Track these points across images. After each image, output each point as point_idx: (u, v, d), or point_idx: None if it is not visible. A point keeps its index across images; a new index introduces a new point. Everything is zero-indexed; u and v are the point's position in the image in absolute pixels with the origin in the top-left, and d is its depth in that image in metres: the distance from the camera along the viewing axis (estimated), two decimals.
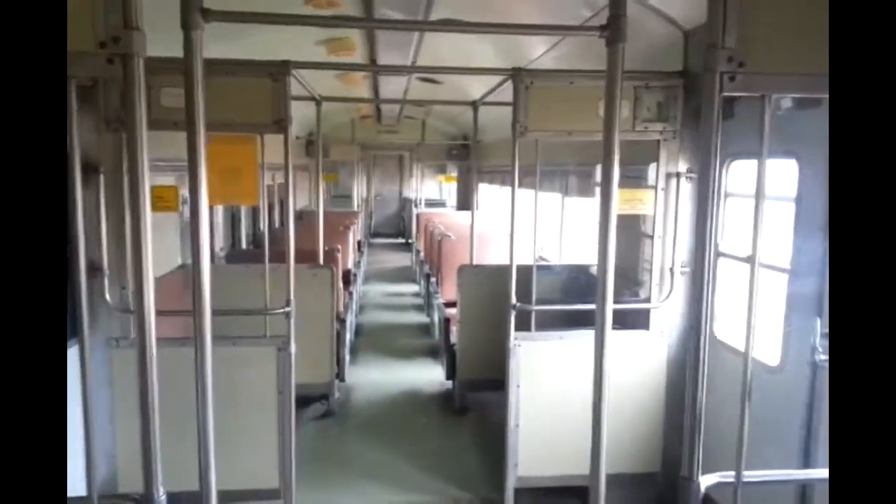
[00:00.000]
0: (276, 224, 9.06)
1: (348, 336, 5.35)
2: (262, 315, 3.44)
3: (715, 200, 1.59)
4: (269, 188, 8.78)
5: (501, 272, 5.07)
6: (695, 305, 1.63)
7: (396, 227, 16.49)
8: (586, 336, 3.64)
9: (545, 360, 3.55)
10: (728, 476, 1.66)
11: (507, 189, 9.41)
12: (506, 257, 6.59)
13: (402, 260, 12.94)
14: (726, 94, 1.48)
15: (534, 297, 3.57)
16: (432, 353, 6.49)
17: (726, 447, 1.95)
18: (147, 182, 1.64)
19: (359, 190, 13.39)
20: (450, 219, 10.29)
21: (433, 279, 7.31)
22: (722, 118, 3.42)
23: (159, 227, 4.06)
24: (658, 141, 3.41)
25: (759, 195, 1.64)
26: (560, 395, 3.53)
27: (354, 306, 6.71)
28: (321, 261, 4.87)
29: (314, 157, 13.07)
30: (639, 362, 3.56)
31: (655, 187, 3.46)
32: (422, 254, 9.43)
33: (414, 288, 10.07)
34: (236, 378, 3.36)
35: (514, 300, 3.51)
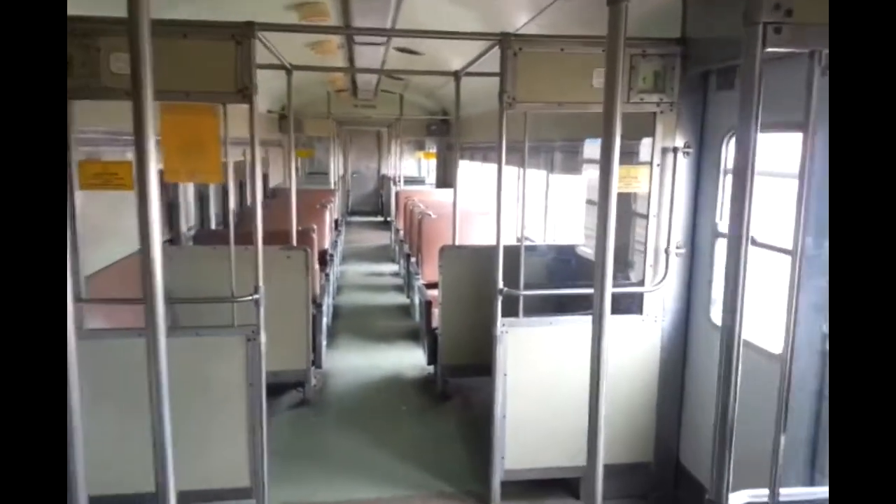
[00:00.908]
0: (249, 202, 8.72)
1: (325, 320, 5.11)
2: (230, 303, 3.17)
3: (751, 177, 1.36)
4: (240, 164, 8.43)
5: (485, 253, 4.86)
6: (730, 299, 1.41)
7: (375, 204, 16.17)
8: (577, 322, 3.49)
9: (534, 347, 3.35)
10: (760, 496, 1.46)
11: (490, 166, 9.18)
12: (488, 237, 6.37)
13: (380, 238, 12.66)
14: (771, 49, 1.25)
15: (521, 281, 3.34)
16: (413, 335, 6.28)
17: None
18: (74, 156, 1.39)
19: (335, 167, 13.02)
20: (430, 197, 10.03)
21: (413, 259, 7.08)
22: (718, 88, 3.14)
23: (126, 206, 3.73)
24: (654, 113, 3.18)
25: (803, 174, 1.42)
26: (550, 385, 3.34)
27: (331, 288, 6.46)
28: (294, 242, 4.60)
29: (287, 133, 12.78)
30: (631, 349, 3.38)
31: (650, 163, 3.24)
32: (401, 233, 9.17)
33: (393, 267, 9.83)
34: (202, 370, 3.11)
35: (500, 284, 3.28)
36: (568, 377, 3.33)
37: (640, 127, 3.27)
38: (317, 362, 4.80)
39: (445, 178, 13.26)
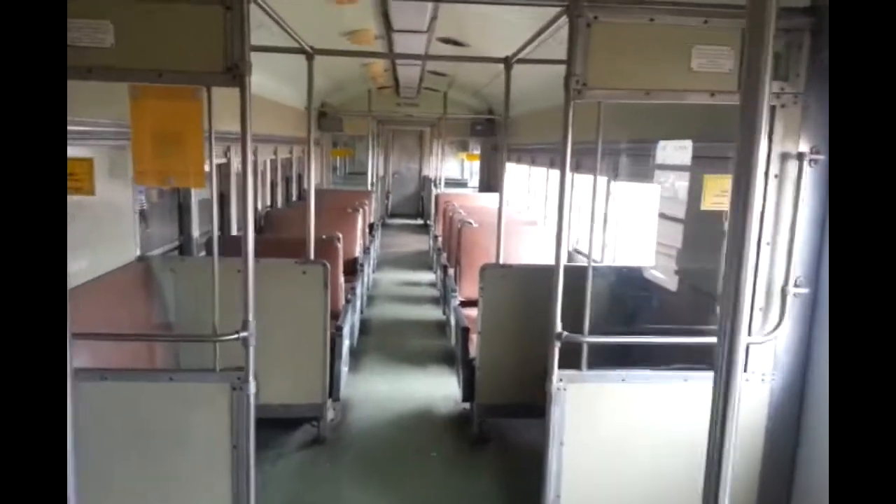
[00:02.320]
0: (280, 202, 8.18)
1: (346, 344, 4.45)
2: (210, 342, 2.53)
3: None
4: (286, 161, 7.87)
5: (535, 274, 4.11)
6: None
7: (415, 207, 15.53)
8: (662, 379, 2.57)
9: (602, 409, 2.60)
10: None
11: (538, 170, 8.41)
12: (537, 253, 5.60)
13: (419, 243, 12.00)
14: None
15: (587, 323, 2.58)
16: (447, 359, 5.57)
17: None
18: None
19: (375, 167, 12.43)
20: (472, 202, 9.30)
21: (450, 271, 6.37)
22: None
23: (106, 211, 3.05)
24: (773, 107, 2.39)
25: None
26: (619, 457, 2.58)
27: (359, 302, 5.80)
28: (312, 254, 3.95)
29: (326, 131, 12.24)
30: None
31: (766, 173, 2.45)
32: (440, 240, 8.48)
33: (430, 277, 9.14)
34: (175, 425, 2.47)
35: (559, 326, 2.54)
36: (644, 449, 2.57)
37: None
38: (335, 393, 4.15)
39: (490, 182, 12.52)
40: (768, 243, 2.47)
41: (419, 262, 10.28)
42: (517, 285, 3.95)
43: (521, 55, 3.77)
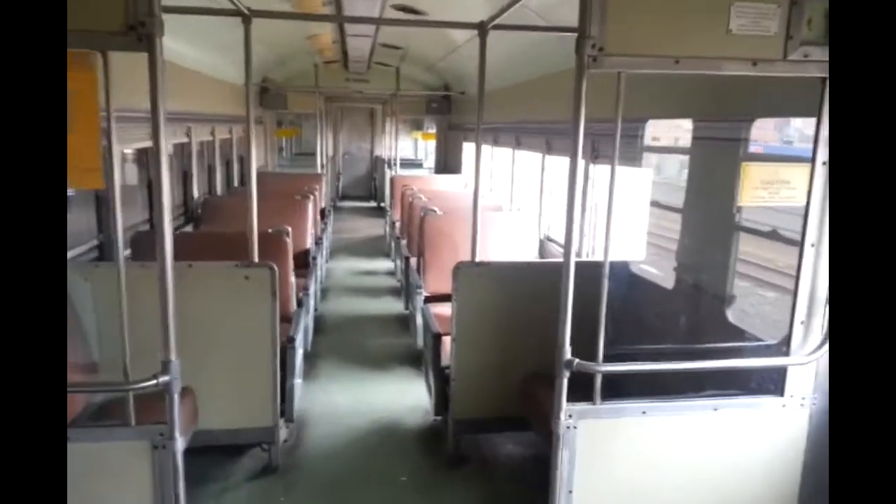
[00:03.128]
0: (219, 188, 7.45)
1: (299, 355, 3.90)
2: (123, 392, 1.96)
3: None
4: (225, 143, 7.12)
5: (515, 273, 3.66)
6: None
7: (367, 189, 14.86)
8: (689, 409, 2.14)
9: (617, 447, 2.16)
10: None
11: (503, 151, 7.94)
12: (506, 243, 5.14)
13: (373, 227, 11.41)
14: None
15: (601, 347, 2.12)
16: (412, 360, 5.09)
17: None
18: None
19: (324, 147, 11.69)
20: (431, 185, 8.77)
21: (413, 262, 5.86)
22: None
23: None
24: (822, 80, 1.96)
25: None
26: None
27: (312, 301, 5.22)
28: (256, 254, 3.37)
29: (270, 108, 11.40)
30: (760, 443, 2.20)
31: (812, 161, 2.03)
32: (398, 226, 7.93)
33: (388, 265, 8.60)
34: (79, 499, 1.90)
35: (568, 353, 2.07)
36: (668, 491, 2.16)
37: (797, 100, 2.06)
38: (287, 413, 3.61)
39: (447, 163, 11.97)
40: (813, 245, 2.06)
41: (375, 248, 9.71)
42: (496, 285, 3.49)
43: (497, 21, 3.25)
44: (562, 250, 5.06)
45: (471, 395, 3.55)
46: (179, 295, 3.24)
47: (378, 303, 6.84)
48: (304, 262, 5.84)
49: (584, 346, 2.06)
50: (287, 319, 4.29)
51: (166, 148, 1.83)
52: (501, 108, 7.28)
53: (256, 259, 3.32)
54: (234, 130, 8.42)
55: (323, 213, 8.49)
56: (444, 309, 4.81)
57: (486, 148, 8.55)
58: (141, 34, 1.66)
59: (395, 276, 7.89)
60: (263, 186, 8.85)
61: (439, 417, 3.85)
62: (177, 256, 4.13)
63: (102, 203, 4.08)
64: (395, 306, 6.67)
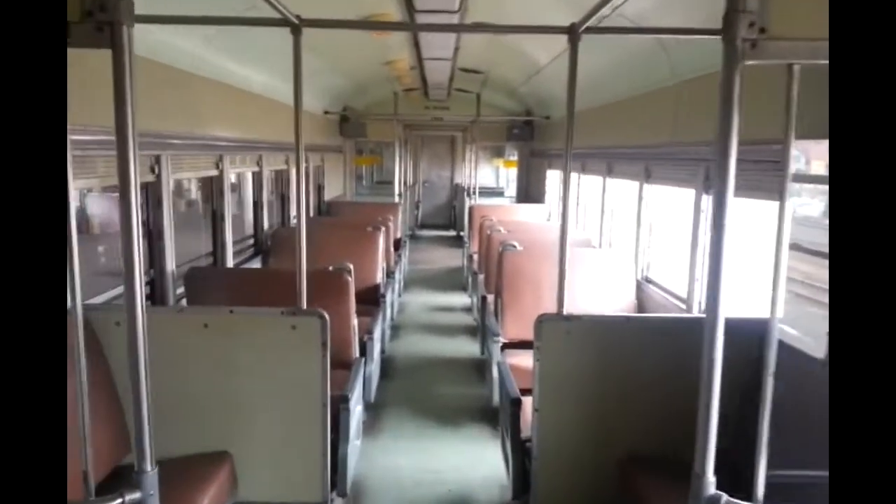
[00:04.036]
0: (294, 218, 7.19)
1: (354, 415, 3.38)
2: None
3: None
4: (281, 173, 6.90)
5: (612, 329, 3.00)
6: None
7: (447, 217, 14.49)
8: None
9: None
10: None
11: (591, 179, 7.25)
12: (596, 285, 4.50)
13: (451, 258, 10.94)
14: None
15: (762, 471, 1.44)
16: (489, 417, 4.48)
17: None
18: None
19: (403, 175, 11.41)
20: (511, 215, 8.20)
21: (490, 301, 5.28)
22: None
23: None
24: None
25: None
26: None
27: (377, 347, 4.74)
28: (305, 298, 2.89)
29: (349, 137, 11.27)
30: None
31: None
32: (475, 259, 7.39)
33: (465, 300, 8.06)
34: None
35: (709, 484, 1.41)
36: None
37: None
38: (339, 485, 3.09)
39: (528, 191, 11.36)
40: None
41: (452, 281, 9.21)
42: (588, 343, 2.85)
43: (589, 23, 2.67)
44: (665, 296, 4.32)
45: (556, 477, 2.90)
46: (218, 344, 2.83)
47: (452, 343, 6.28)
48: (373, 299, 5.40)
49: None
50: (346, 366, 3.82)
51: (136, 179, 1.36)
52: (590, 131, 6.64)
53: (305, 304, 2.85)
54: (311, 159, 8.23)
55: (398, 244, 8.09)
56: (525, 360, 4.19)
57: (573, 176, 7.90)
58: (100, 22, 1.22)
59: (471, 313, 7.33)
60: (339, 216, 8.67)
61: (517, 502, 3.21)
62: (230, 296, 3.77)
63: (153, 236, 3.79)
64: (470, 348, 6.09)
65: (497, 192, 13.23)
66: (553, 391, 2.85)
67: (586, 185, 7.05)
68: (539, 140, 10.72)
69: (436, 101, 11.38)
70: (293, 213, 7.09)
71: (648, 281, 4.71)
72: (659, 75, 4.26)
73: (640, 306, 4.61)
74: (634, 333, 2.86)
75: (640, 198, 4.82)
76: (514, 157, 12.32)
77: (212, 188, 4.81)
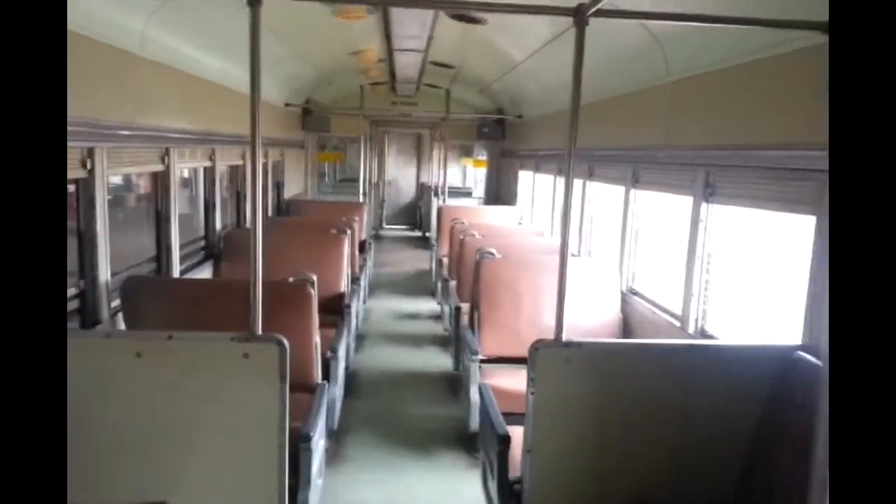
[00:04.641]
0: (248, 218, 6.66)
1: (316, 454, 2.95)
2: None
3: None
4: (236, 169, 6.38)
5: (618, 356, 2.66)
6: None
7: (412, 217, 14.06)
8: None
9: None
10: None
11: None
12: (585, 301, 4.22)
13: (417, 260, 10.53)
14: None
15: None
16: (466, 442, 4.10)
17: None
18: None
19: (368, 173, 10.92)
20: (482, 217, 7.84)
21: (464, 312, 4.90)
22: None
23: None
24: None
25: None
26: None
27: (341, 366, 4.29)
28: (260, 322, 2.44)
29: (312, 131, 10.72)
30: None
31: None
32: (445, 262, 7.01)
33: (433, 306, 7.67)
34: None
35: None
36: None
37: None
38: None
39: (500, 193, 11.03)
40: None
41: (419, 285, 8.80)
42: (590, 373, 2.49)
43: (600, 5, 2.30)
44: (654, 310, 4.00)
45: None
46: (155, 376, 2.38)
47: (422, 356, 5.88)
48: (336, 308, 4.96)
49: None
50: (307, 389, 3.40)
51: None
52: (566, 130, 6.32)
53: (260, 326, 2.40)
54: (270, 153, 7.70)
55: (363, 246, 7.65)
56: (505, 379, 3.83)
57: (544, 177, 7.57)
58: None
59: (440, 321, 6.94)
60: (298, 217, 8.16)
61: None
62: (174, 311, 3.28)
63: (85, 241, 3.27)
64: (441, 361, 5.70)
65: (465, 193, 12.88)
66: (548, 428, 2.48)
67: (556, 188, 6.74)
68: (511, 140, 10.40)
69: (403, 97, 10.94)
70: (247, 211, 6.57)
71: (634, 293, 4.40)
72: (653, 72, 3.95)
73: (626, 320, 4.30)
74: (643, 361, 2.52)
75: (627, 203, 4.51)
76: (484, 157, 11.98)
77: (156, 185, 4.29)
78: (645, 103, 4.26)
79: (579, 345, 2.49)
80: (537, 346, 2.45)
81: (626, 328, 4.27)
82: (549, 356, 2.45)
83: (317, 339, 3.53)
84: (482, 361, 4.06)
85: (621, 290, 4.40)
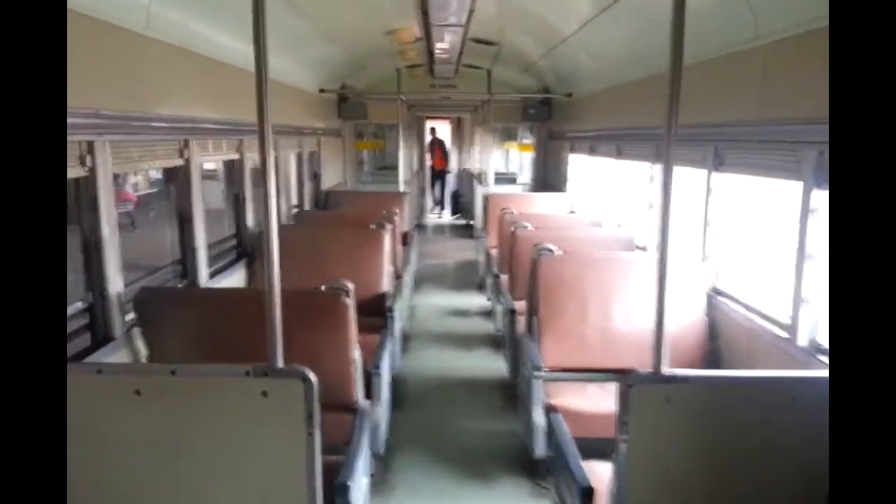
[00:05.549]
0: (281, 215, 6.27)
1: (358, 498, 2.49)
2: None
3: None
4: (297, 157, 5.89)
5: (736, 395, 2.08)
6: None
7: (455, 205, 13.56)
8: None
9: None
10: None
11: (627, 164, 6.27)
12: (667, 301, 3.62)
13: (462, 250, 10.03)
14: None
15: None
16: (529, 465, 3.59)
17: None
18: None
19: (407, 161, 10.45)
20: (531, 205, 7.24)
21: (520, 320, 4.38)
22: None
23: None
24: None
25: None
26: None
27: (384, 380, 3.81)
28: (278, 356, 1.96)
29: (349, 119, 10.27)
30: None
31: None
32: (494, 254, 6.48)
33: (482, 301, 7.16)
34: None
35: None
36: None
37: None
38: None
39: (548, 179, 10.39)
40: None
41: (465, 278, 8.31)
42: (699, 414, 1.94)
43: None
44: (750, 316, 3.38)
45: None
46: (156, 418, 1.95)
47: (473, 359, 5.39)
48: (378, 310, 4.51)
49: None
50: (345, 408, 2.96)
51: None
52: (630, 108, 5.69)
53: (280, 362, 1.94)
54: (307, 144, 7.29)
55: (406, 238, 7.18)
56: (575, 399, 3.31)
57: (599, 160, 6.92)
58: None
59: (491, 318, 6.43)
60: (337, 209, 7.74)
61: None
62: (194, 325, 2.85)
63: (91, 248, 2.88)
64: (494, 365, 5.20)
65: (509, 178, 12.27)
66: (644, 483, 1.96)
67: (617, 171, 6.10)
68: (558, 121, 9.72)
69: (442, 79, 10.37)
70: (283, 206, 6.17)
71: (721, 293, 3.79)
72: (741, 34, 3.32)
73: (713, 324, 3.70)
74: (770, 400, 1.95)
75: (709, 189, 3.89)
76: (529, 140, 11.33)
77: (178, 182, 3.90)
78: (730, 71, 3.62)
79: (684, 379, 1.93)
80: (630, 381, 1.92)
81: (713, 334, 3.68)
82: (646, 394, 1.92)
83: (356, 354, 3.08)
84: (545, 376, 3.54)
85: (706, 291, 3.80)
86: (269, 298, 1.94)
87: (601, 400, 3.23)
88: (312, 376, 1.91)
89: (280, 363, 1.93)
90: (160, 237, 4.39)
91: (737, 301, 3.57)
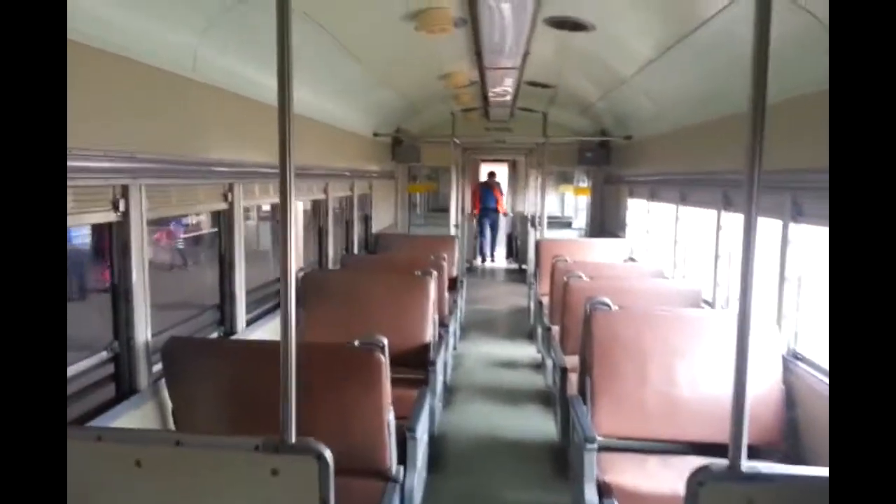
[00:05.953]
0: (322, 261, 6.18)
1: None
2: None
3: None
4: (342, 200, 5.86)
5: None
6: None
7: (509, 247, 13.31)
8: None
9: None
10: None
11: (694, 211, 5.87)
12: (729, 368, 3.21)
13: (513, 295, 9.72)
14: None
15: None
16: None
17: None
18: None
19: (459, 204, 10.32)
20: (586, 253, 6.91)
21: (572, 378, 4.04)
22: None
23: None
24: None
25: None
26: None
27: (420, 455, 3.51)
28: (292, 430, 1.74)
29: (402, 162, 10.27)
30: None
31: None
32: (545, 303, 6.16)
33: (531, 352, 6.81)
34: None
35: None
36: None
37: None
38: None
39: (604, 224, 10.02)
40: None
41: (516, 326, 7.98)
42: None
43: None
44: (824, 378, 2.95)
45: None
46: (157, 492, 1.75)
47: (520, 418, 5.04)
48: (419, 361, 4.27)
49: None
50: (377, 474, 2.71)
51: None
52: (693, 153, 5.37)
53: (293, 436, 1.71)
54: (357, 186, 7.25)
55: (454, 284, 6.96)
56: (634, 477, 2.95)
57: (660, 205, 6.55)
58: None
59: (541, 372, 6.07)
60: (386, 252, 7.64)
61: None
62: (227, 376, 2.68)
63: (119, 295, 2.77)
64: (544, 426, 4.83)
65: (564, 223, 11.95)
66: None
67: (679, 217, 5.73)
68: (617, 164, 9.42)
69: (497, 122, 10.28)
70: (329, 250, 6.08)
71: (800, 358, 3.37)
72: (814, 72, 3.00)
73: (790, 392, 3.28)
74: None
75: (786, 241, 3.51)
76: (585, 184, 11.02)
77: (219, 225, 3.83)
78: (799, 113, 3.29)
79: (769, 478, 1.59)
80: (700, 478, 1.59)
81: (790, 402, 3.26)
82: (720, 494, 1.58)
83: (389, 416, 2.83)
84: (599, 445, 3.18)
85: (782, 353, 3.39)
86: (284, 362, 1.74)
87: (663, 479, 2.86)
88: (328, 453, 1.67)
89: (293, 437, 1.71)
90: (208, 278, 4.32)
91: (817, 367, 3.15)
